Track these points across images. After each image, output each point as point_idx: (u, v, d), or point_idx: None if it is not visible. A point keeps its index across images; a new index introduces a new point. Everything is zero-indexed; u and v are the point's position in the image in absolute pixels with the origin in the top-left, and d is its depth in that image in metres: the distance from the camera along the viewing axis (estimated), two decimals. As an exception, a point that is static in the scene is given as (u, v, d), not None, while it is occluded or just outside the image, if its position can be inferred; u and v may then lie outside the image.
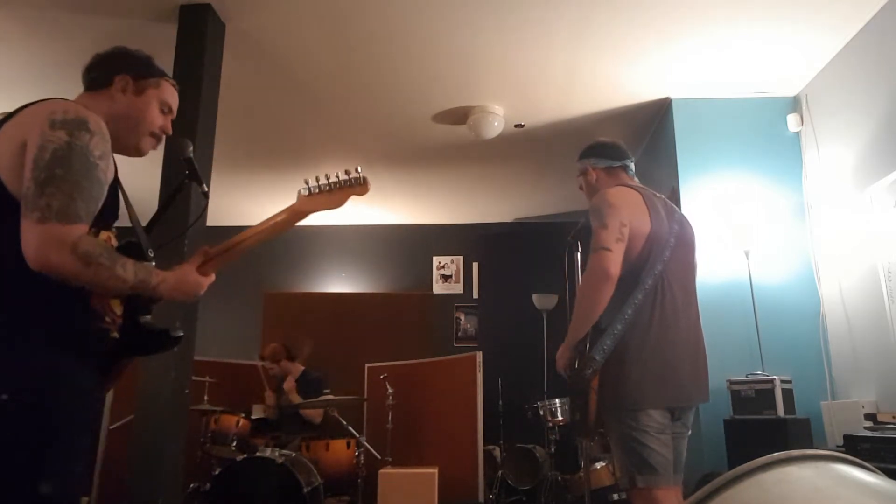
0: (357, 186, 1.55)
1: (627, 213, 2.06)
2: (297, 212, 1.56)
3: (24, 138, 1.29)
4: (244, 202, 6.62)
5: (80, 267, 1.25)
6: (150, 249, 1.53)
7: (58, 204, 1.25)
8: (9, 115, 1.37)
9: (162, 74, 1.61)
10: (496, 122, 4.62)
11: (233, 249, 1.53)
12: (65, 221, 1.25)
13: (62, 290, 1.30)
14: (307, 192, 1.56)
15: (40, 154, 1.27)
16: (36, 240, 1.23)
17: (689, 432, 2.14)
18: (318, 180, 1.55)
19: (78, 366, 1.33)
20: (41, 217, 1.23)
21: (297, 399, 4.70)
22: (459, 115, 4.71)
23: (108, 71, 1.53)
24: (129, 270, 1.33)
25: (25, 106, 1.38)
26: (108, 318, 1.42)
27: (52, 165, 1.26)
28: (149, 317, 1.52)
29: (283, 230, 1.58)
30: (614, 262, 1.98)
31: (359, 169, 1.55)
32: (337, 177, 1.54)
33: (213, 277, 1.52)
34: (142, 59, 1.59)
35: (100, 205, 1.35)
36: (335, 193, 1.55)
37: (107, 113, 1.47)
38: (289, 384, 4.83)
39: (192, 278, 1.47)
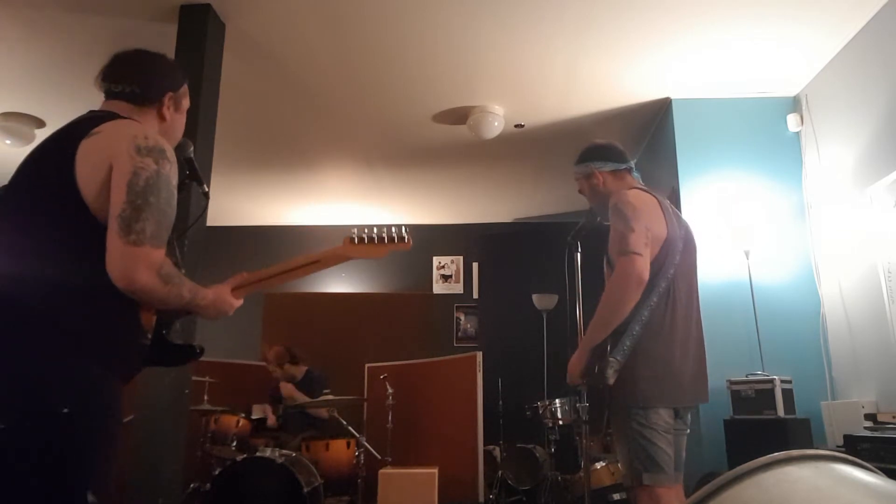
0: (400, 244, 1.65)
1: (648, 217, 2.07)
2: (340, 255, 1.65)
3: (111, 161, 1.34)
4: (244, 202, 6.62)
5: (160, 287, 1.33)
6: (182, 268, 1.57)
7: (151, 229, 1.32)
8: (81, 130, 1.38)
9: (186, 79, 1.65)
10: (496, 122, 4.62)
11: (269, 280, 1.61)
12: (156, 246, 1.33)
13: (124, 310, 1.37)
14: (353, 240, 1.65)
15: (134, 180, 1.33)
16: (129, 260, 1.29)
17: (689, 430, 2.17)
18: (364, 231, 1.65)
19: (120, 383, 1.38)
20: (137, 240, 1.30)
21: (300, 398, 4.70)
22: (459, 115, 4.71)
23: (155, 89, 1.55)
24: (186, 289, 1.41)
25: (93, 120, 1.41)
26: (149, 335, 1.48)
27: (146, 192, 1.33)
28: (169, 331, 1.59)
29: (321, 269, 1.65)
30: (645, 267, 1.98)
31: (405, 228, 1.66)
32: (384, 231, 1.64)
33: (241, 301, 1.60)
34: (176, 71, 1.62)
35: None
36: (379, 246, 1.65)
37: (157, 131, 1.53)
38: (288, 390, 4.83)
39: (228, 299, 1.55)
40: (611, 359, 1.97)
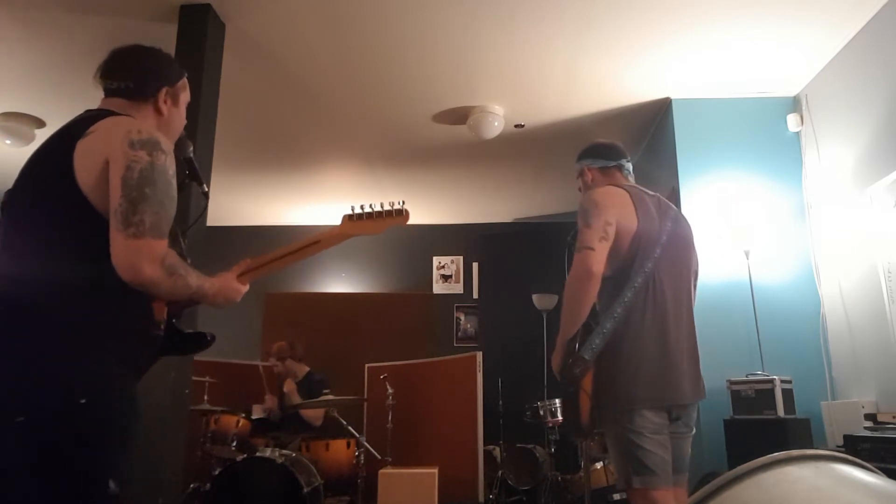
0: (398, 217, 1.68)
1: (613, 211, 2.06)
2: (340, 234, 1.66)
3: (106, 157, 1.35)
4: (244, 202, 6.62)
5: (165, 278, 1.33)
6: (188, 259, 1.58)
7: (149, 220, 1.32)
8: (77, 130, 1.39)
9: (183, 74, 1.64)
10: (496, 122, 4.62)
11: (272, 263, 1.62)
12: (157, 237, 1.33)
13: (134, 304, 1.37)
14: (352, 217, 1.67)
15: (129, 174, 1.33)
16: (131, 253, 1.30)
17: (693, 432, 2.10)
18: (362, 208, 1.67)
19: (133, 377, 1.40)
20: (136, 232, 1.30)
21: (297, 400, 4.69)
22: (459, 115, 4.71)
23: (150, 84, 1.55)
24: (193, 278, 1.41)
25: (88, 120, 1.41)
26: (162, 326, 1.48)
27: (141, 184, 1.33)
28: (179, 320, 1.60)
29: (322, 249, 1.66)
30: (597, 261, 1.98)
31: (402, 202, 1.68)
32: (381, 206, 1.67)
33: (248, 287, 1.60)
34: (172, 65, 1.62)
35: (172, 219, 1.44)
36: (377, 221, 1.67)
37: (155, 126, 1.52)
38: (289, 386, 4.82)
39: (234, 286, 1.56)
40: (578, 356, 1.96)
